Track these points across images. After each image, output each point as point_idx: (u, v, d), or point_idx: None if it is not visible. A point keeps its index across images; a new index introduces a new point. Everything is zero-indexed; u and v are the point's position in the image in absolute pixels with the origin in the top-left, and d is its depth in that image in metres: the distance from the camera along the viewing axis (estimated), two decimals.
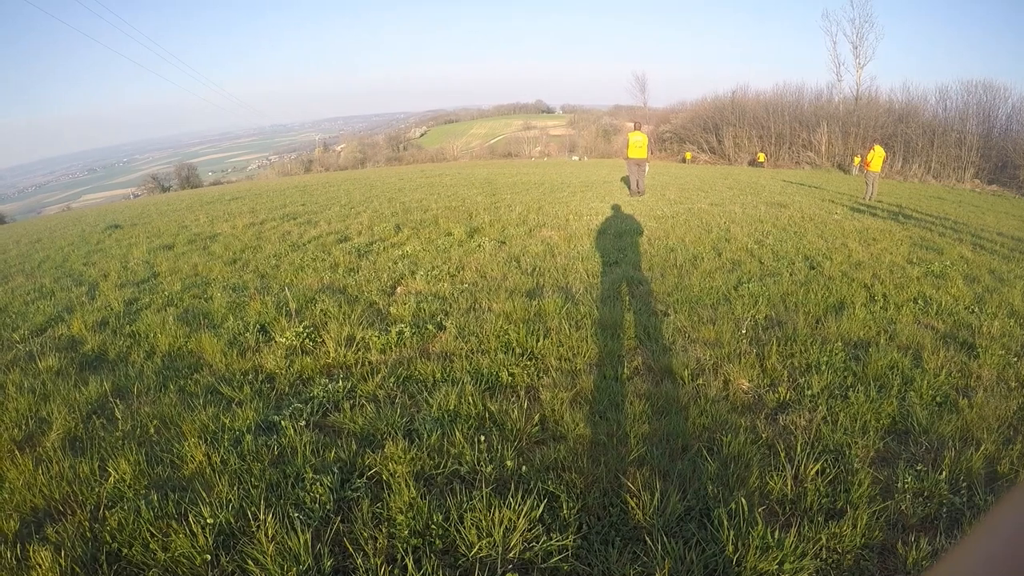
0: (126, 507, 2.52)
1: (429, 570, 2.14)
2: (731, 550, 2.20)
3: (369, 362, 4.11)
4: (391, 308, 5.25)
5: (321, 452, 2.92)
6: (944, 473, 2.71)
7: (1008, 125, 37.40)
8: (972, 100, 38.66)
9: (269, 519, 2.35)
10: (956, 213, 14.91)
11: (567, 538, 2.26)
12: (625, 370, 3.87)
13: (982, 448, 2.93)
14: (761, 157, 46.07)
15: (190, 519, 2.37)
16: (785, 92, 49.55)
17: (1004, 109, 37.68)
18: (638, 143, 15.18)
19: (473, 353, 4.16)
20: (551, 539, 2.26)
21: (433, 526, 2.33)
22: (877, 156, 18.17)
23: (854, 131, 42.35)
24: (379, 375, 3.81)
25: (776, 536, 2.23)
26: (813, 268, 6.85)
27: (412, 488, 2.53)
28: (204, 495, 2.56)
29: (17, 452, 3.10)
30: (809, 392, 3.53)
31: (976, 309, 5.35)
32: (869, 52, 48.58)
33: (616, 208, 11.95)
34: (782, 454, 2.82)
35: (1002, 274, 6.96)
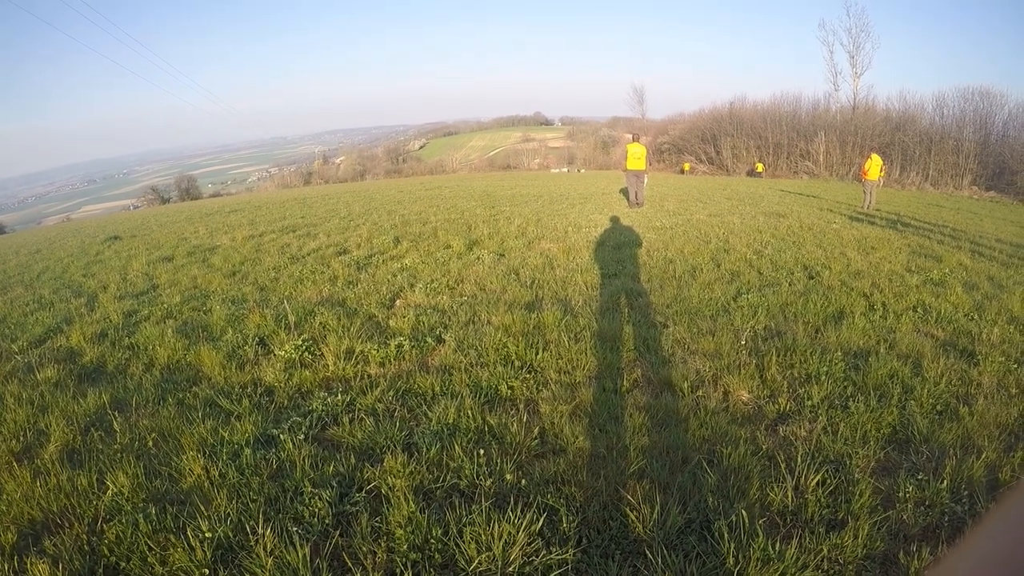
0: (124, 520, 2.51)
1: None
2: (732, 563, 2.19)
3: (368, 375, 4.11)
4: (390, 321, 5.25)
5: (320, 466, 2.91)
6: (945, 482, 2.70)
7: (1005, 131, 37.47)
8: (969, 107, 38.76)
9: (268, 533, 2.34)
10: (954, 220, 14.93)
11: (567, 552, 2.25)
12: (624, 382, 3.86)
13: (983, 456, 2.92)
14: (759, 167, 46.12)
15: (188, 533, 2.36)
16: (783, 102, 49.68)
17: (1001, 116, 37.77)
18: (637, 155, 15.21)
19: (472, 366, 4.15)
20: (551, 553, 2.25)
21: (432, 540, 2.32)
22: (874, 165, 18.21)
23: (852, 140, 42.42)
24: (378, 388, 3.81)
25: (777, 548, 2.22)
26: (812, 278, 6.86)
27: (411, 502, 2.52)
28: (202, 509, 2.55)
29: (15, 464, 3.10)
30: (809, 402, 3.52)
31: (976, 316, 5.35)
32: (866, 61, 48.71)
33: (615, 220, 11.97)
34: (782, 465, 2.82)
35: (1001, 280, 6.96)
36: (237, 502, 2.63)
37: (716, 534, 2.33)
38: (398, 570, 2.20)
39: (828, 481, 2.70)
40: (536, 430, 3.22)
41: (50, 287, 8.59)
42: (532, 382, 3.88)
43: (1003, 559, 0.36)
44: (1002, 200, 31.30)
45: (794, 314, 5.29)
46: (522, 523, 2.33)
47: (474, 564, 2.19)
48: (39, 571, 2.23)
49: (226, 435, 3.26)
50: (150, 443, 3.27)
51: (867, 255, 8.43)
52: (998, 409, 3.47)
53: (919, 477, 2.76)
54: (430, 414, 3.39)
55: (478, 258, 8.13)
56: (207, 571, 2.22)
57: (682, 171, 51.84)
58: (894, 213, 15.62)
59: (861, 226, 12.12)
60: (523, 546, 2.26)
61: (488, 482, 2.71)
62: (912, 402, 3.52)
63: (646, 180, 16.07)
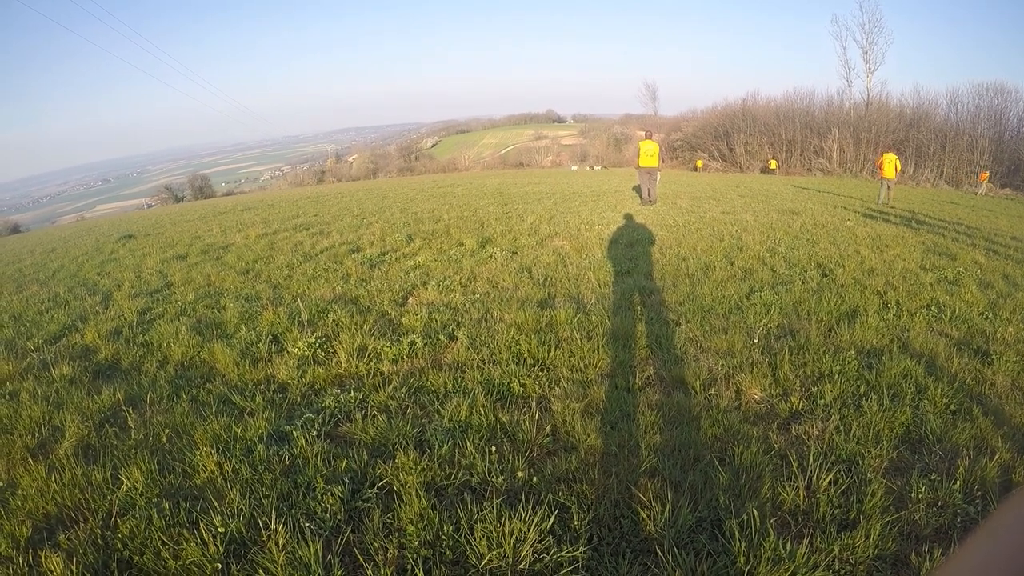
0: (138, 515, 2.53)
1: None
2: (742, 562, 2.18)
3: (381, 372, 4.12)
4: (403, 318, 5.26)
5: (332, 462, 2.92)
6: (958, 482, 2.69)
7: (1020, 128, 37.21)
8: (983, 103, 38.51)
9: (280, 528, 2.35)
10: (969, 218, 14.79)
11: (577, 549, 2.25)
12: (637, 380, 3.86)
13: (997, 456, 2.90)
14: (773, 164, 45.92)
15: (201, 528, 2.38)
16: (796, 98, 49.49)
17: (1016, 111, 37.53)
18: (650, 152, 15.17)
19: (484, 364, 4.16)
20: (561, 550, 2.25)
21: (443, 537, 2.33)
22: (888, 162, 18.27)
23: (866, 137, 42.17)
24: (391, 385, 3.82)
25: (788, 548, 2.21)
26: (825, 276, 6.82)
27: (423, 499, 2.53)
28: (215, 504, 2.57)
29: (30, 459, 3.13)
30: (822, 401, 3.51)
31: (990, 315, 5.31)
32: (879, 57, 48.49)
33: (628, 217, 11.95)
34: (794, 464, 2.80)
35: (1016, 279, 6.90)
36: (250, 498, 2.65)
37: (727, 533, 2.32)
38: (409, 566, 2.20)
39: (840, 481, 2.69)
40: (548, 427, 3.22)
41: (65, 285, 8.66)
42: (544, 379, 3.89)
43: (1004, 560, 0.36)
44: (1017, 197, 31.03)
45: (807, 312, 5.26)
46: (533, 520, 2.33)
47: (485, 561, 2.20)
48: (53, 564, 2.26)
49: (239, 431, 3.28)
50: (164, 439, 3.29)
51: (881, 253, 8.38)
52: (1012, 409, 3.44)
53: (932, 477, 2.74)
54: (442, 411, 3.40)
55: (491, 256, 8.13)
56: (220, 565, 2.24)
57: (695, 168, 51.71)
58: (908, 210, 15.50)
59: (875, 224, 12.04)
60: (534, 543, 2.26)
61: (499, 479, 2.72)
62: (925, 401, 3.50)
63: (659, 177, 16.02)
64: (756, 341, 4.50)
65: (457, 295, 6.10)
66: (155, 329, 5.46)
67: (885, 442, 3.05)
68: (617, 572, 2.19)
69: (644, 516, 2.43)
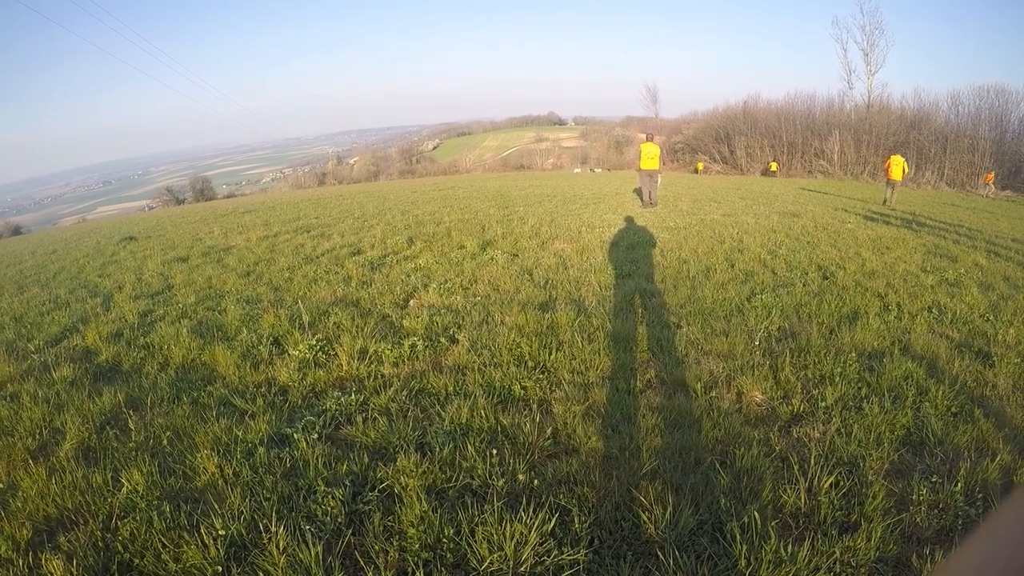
0: (138, 517, 2.53)
1: None
2: (743, 564, 2.18)
3: (382, 375, 4.12)
4: (404, 321, 5.26)
5: (333, 465, 2.92)
6: (959, 484, 2.68)
7: (1021, 130, 37.19)
8: (984, 105, 38.48)
9: (280, 531, 2.35)
10: (970, 220, 14.78)
11: (579, 552, 2.25)
12: (638, 383, 3.86)
13: (998, 458, 2.90)
14: (773, 166, 45.86)
15: (202, 530, 2.38)
16: (797, 100, 49.42)
17: (1016, 114, 37.51)
18: (651, 154, 15.18)
19: (485, 366, 4.15)
20: (562, 553, 2.24)
21: (444, 540, 2.32)
22: (895, 165, 18.45)
23: (866, 139, 42.11)
24: (392, 388, 3.81)
25: (789, 550, 2.21)
26: (826, 278, 6.82)
27: (424, 501, 2.53)
28: (216, 507, 2.57)
29: (31, 461, 3.13)
30: (823, 404, 3.50)
31: (991, 317, 5.31)
32: (880, 59, 48.42)
33: (629, 220, 11.94)
34: (795, 467, 2.80)
35: (1017, 281, 6.90)
36: (251, 500, 2.65)
37: (728, 536, 2.32)
38: (410, 569, 2.20)
39: (841, 483, 2.68)
40: (549, 430, 3.22)
41: (66, 287, 8.66)
42: (545, 382, 3.88)
43: (1004, 560, 0.36)
44: (1018, 199, 31.00)
45: (808, 315, 5.26)
46: (534, 523, 2.33)
47: (486, 564, 2.19)
48: (54, 567, 2.26)
49: (240, 434, 3.28)
50: (165, 441, 3.29)
51: (882, 255, 8.38)
52: (1014, 411, 3.44)
53: (933, 479, 2.74)
54: (443, 414, 3.40)
55: (492, 258, 8.13)
56: (220, 568, 2.24)
57: (696, 171, 51.65)
58: (909, 212, 15.50)
59: (876, 226, 12.04)
60: (535, 546, 2.26)
61: (500, 482, 2.72)
62: (927, 404, 3.50)
63: (660, 180, 16.03)
64: (757, 344, 4.50)
65: (458, 298, 6.10)
66: (156, 331, 5.46)
67: (886, 444, 3.05)
68: (618, 575, 2.18)
69: (645, 519, 2.43)
